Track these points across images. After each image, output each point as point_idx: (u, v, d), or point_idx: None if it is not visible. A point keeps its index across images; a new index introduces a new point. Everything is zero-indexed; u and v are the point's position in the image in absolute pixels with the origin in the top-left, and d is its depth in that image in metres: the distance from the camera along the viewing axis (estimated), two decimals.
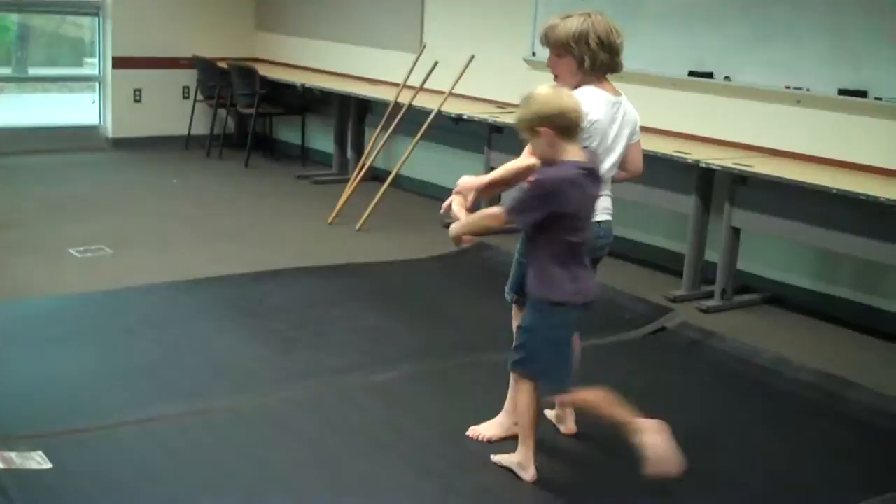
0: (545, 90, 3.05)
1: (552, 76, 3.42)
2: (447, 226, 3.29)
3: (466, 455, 3.45)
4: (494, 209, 3.12)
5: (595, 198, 3.14)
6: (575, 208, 3.02)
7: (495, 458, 3.36)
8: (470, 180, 3.26)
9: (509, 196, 3.20)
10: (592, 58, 3.30)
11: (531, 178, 3.03)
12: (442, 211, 3.28)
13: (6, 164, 8.08)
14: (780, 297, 5.48)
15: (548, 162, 3.04)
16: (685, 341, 4.74)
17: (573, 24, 3.30)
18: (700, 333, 4.79)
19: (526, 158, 3.19)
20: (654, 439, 2.99)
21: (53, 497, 3.00)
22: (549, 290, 3.07)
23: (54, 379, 3.92)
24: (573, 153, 3.02)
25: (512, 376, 3.36)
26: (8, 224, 6.22)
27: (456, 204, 3.23)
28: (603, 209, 3.36)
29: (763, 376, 4.37)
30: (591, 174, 3.05)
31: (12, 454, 3.21)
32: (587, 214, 3.10)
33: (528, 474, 3.24)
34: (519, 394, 3.28)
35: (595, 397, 3.11)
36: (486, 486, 3.24)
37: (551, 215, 2.99)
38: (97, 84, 9.12)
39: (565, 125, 2.99)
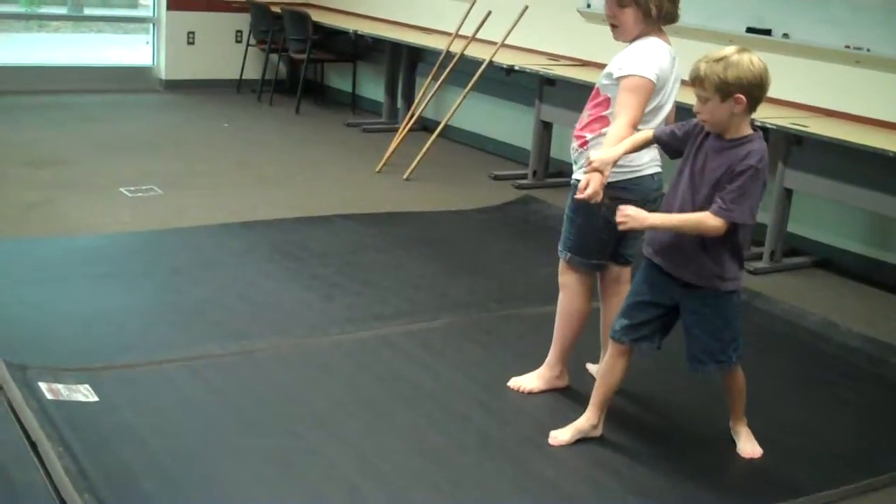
0: (749, 56, 2.87)
1: (610, 27, 3.36)
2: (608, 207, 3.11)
3: (506, 405, 3.46)
4: (704, 215, 2.89)
5: None
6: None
7: (559, 437, 3.21)
8: (605, 156, 3.03)
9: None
10: (658, 6, 3.23)
11: (748, 161, 2.87)
12: (579, 195, 3.01)
13: (61, 103, 8.16)
14: (829, 261, 5.40)
15: (721, 130, 2.93)
16: None
17: None
18: (748, 295, 4.72)
19: (626, 125, 3.10)
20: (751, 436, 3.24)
21: (99, 429, 3.05)
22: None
23: (102, 315, 3.98)
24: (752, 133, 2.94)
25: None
26: (61, 161, 6.30)
27: (597, 185, 2.99)
28: (653, 161, 3.32)
29: (809, 339, 4.32)
30: None
31: (60, 386, 3.27)
32: None
33: (598, 432, 3.24)
34: (620, 363, 3.17)
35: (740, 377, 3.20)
36: (524, 437, 3.25)
37: None
38: (151, 25, 9.15)
39: (757, 98, 2.88)
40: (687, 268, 3.03)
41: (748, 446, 3.26)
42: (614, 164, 3.05)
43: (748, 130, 2.93)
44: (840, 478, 3.13)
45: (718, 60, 2.86)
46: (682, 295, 3.07)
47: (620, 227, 2.98)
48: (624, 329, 3.15)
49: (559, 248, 3.48)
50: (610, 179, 3.10)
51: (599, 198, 2.99)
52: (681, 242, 3.01)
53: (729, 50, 2.89)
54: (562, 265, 3.49)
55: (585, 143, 3.33)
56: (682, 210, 2.98)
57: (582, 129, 3.37)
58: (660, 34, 3.31)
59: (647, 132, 3.12)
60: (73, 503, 2.60)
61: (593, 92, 3.38)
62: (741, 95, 2.84)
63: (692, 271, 3.02)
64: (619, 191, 3.24)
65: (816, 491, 3.04)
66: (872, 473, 3.18)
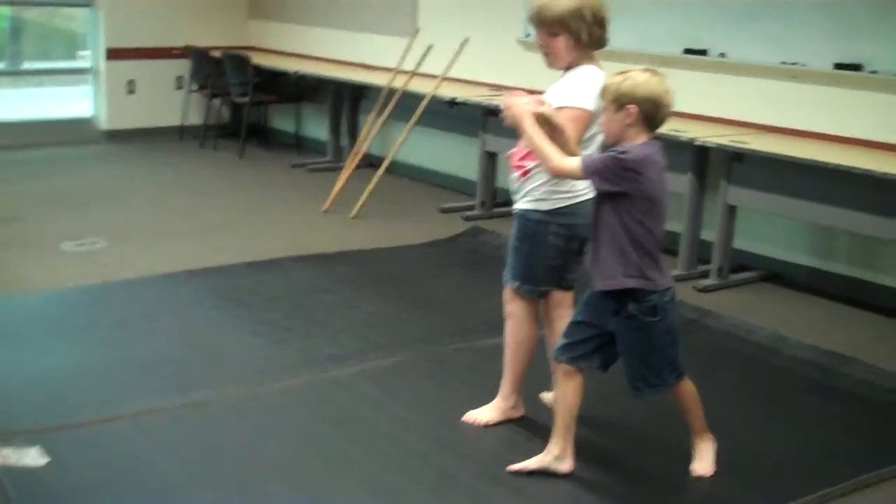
0: (651, 75, 2.95)
1: (543, 56, 3.38)
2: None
3: (463, 439, 3.44)
4: (569, 158, 3.01)
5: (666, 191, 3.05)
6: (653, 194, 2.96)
7: (516, 467, 3.20)
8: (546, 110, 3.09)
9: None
10: (589, 32, 3.27)
11: (617, 150, 2.95)
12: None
13: (1, 160, 8.05)
14: (776, 275, 5.46)
15: (615, 141, 2.98)
16: (682, 321, 4.71)
17: (568, 1, 3.28)
18: (696, 312, 4.77)
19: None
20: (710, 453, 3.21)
21: (51, 492, 3.00)
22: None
23: (50, 374, 3.91)
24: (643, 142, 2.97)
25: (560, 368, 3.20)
26: (3, 219, 6.20)
27: (523, 106, 3.08)
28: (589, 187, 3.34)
29: (760, 353, 4.36)
30: (665, 165, 3.01)
31: (9, 450, 3.20)
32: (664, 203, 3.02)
33: (567, 465, 3.19)
34: (571, 386, 3.16)
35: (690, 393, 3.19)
36: (482, 471, 3.23)
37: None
38: (90, 76, 9.09)
39: (652, 113, 2.93)
40: (596, 270, 3.05)
41: (699, 465, 3.24)
42: (543, 122, 3.07)
43: (636, 142, 2.97)
44: (798, 491, 3.14)
45: (621, 74, 2.96)
46: (613, 322, 3.08)
47: (502, 116, 3.10)
48: (561, 348, 3.17)
49: (505, 277, 3.48)
50: (555, 206, 3.14)
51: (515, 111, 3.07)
52: (597, 249, 3.04)
53: (638, 69, 2.98)
54: (508, 294, 3.49)
55: (527, 172, 3.34)
56: (599, 228, 3.02)
57: (522, 158, 3.38)
58: (592, 60, 3.34)
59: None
60: None
61: None
62: (633, 106, 2.90)
63: (599, 274, 3.04)
64: (566, 216, 3.26)
65: None
66: (830, 484, 3.20)
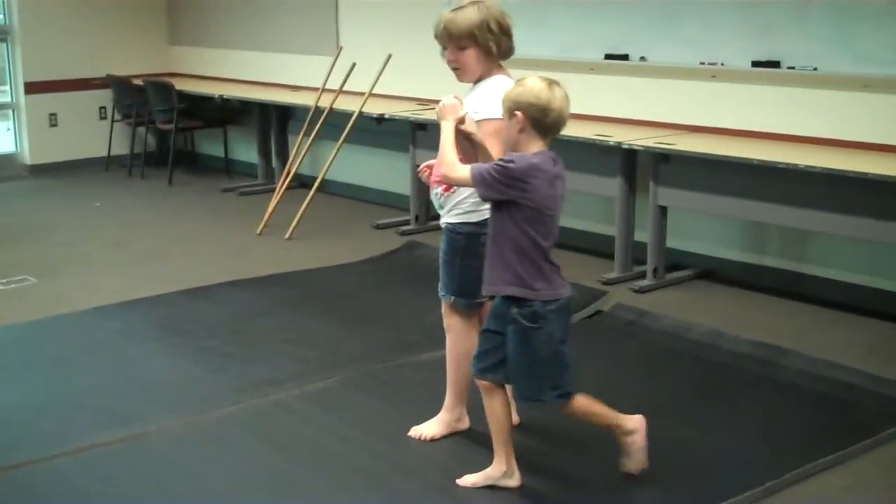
0: (544, 84, 2.97)
1: (453, 70, 3.40)
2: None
3: (410, 455, 3.43)
4: (461, 165, 3.04)
5: (562, 199, 3.06)
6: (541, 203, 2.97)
7: (465, 481, 3.19)
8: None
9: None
10: (497, 43, 3.30)
11: (504, 159, 2.97)
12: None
13: None
14: (711, 272, 5.53)
15: (512, 149, 3.01)
16: (621, 322, 4.77)
17: (472, 14, 3.29)
18: (635, 313, 4.81)
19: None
20: (640, 437, 3.17)
21: None
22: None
23: None
24: (539, 150, 2.99)
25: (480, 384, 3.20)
26: None
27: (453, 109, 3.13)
28: None
29: (699, 350, 4.40)
30: (559, 175, 3.02)
31: None
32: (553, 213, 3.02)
33: (515, 480, 3.16)
34: (493, 402, 3.15)
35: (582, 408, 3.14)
36: (431, 485, 3.22)
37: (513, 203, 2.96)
38: (11, 111, 8.92)
39: (539, 119, 2.94)
40: (484, 276, 3.10)
41: (627, 461, 3.21)
42: (464, 137, 3.13)
43: (530, 150, 2.99)
44: (744, 485, 3.17)
45: (518, 82, 3.01)
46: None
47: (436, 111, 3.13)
48: (474, 359, 3.18)
49: (440, 291, 3.48)
50: (484, 217, 3.16)
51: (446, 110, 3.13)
52: (488, 255, 3.08)
53: (535, 76, 3.02)
54: (445, 308, 3.49)
55: (450, 187, 3.34)
56: (491, 235, 3.06)
57: None
58: (501, 70, 3.38)
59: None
60: None
61: None
62: (520, 113, 2.94)
63: (485, 279, 3.09)
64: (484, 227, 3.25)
65: (721, 500, 3.07)
66: (776, 475, 3.23)
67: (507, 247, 2.99)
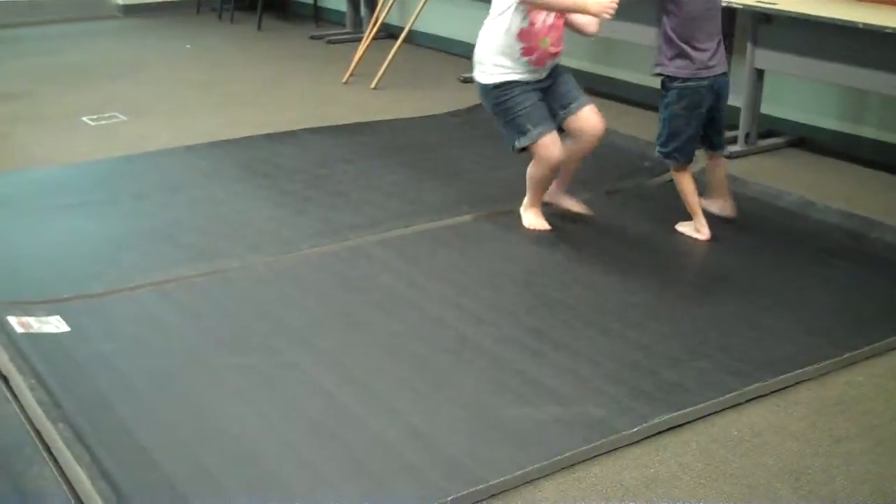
0: None
1: None
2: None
3: (482, 306, 3.43)
4: None
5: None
6: None
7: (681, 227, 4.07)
8: None
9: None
10: None
11: None
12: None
13: (16, 36, 7.97)
14: (805, 140, 5.35)
15: None
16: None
17: None
18: None
19: None
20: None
21: (71, 359, 3.01)
22: None
23: (69, 246, 3.92)
24: None
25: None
26: (20, 94, 6.16)
27: None
28: None
29: (787, 219, 4.29)
30: None
31: (30, 319, 3.22)
32: None
33: (705, 233, 4.00)
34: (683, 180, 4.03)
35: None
36: (502, 336, 3.22)
37: None
38: None
39: None
40: None
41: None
42: None
43: None
44: (823, 353, 3.11)
45: None
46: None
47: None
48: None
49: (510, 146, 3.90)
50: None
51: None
52: None
53: None
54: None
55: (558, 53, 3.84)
56: None
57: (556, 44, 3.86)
58: None
59: None
60: (47, 433, 2.57)
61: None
62: None
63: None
64: None
65: (799, 367, 3.03)
66: (855, 346, 3.17)
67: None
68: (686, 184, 4.03)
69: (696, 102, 3.87)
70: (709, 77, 3.85)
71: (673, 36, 3.81)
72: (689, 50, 3.81)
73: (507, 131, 3.92)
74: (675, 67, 3.85)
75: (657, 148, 4.06)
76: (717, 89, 3.91)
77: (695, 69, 3.83)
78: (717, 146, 4.09)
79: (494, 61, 3.84)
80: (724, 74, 3.93)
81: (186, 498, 2.37)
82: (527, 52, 3.79)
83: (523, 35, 3.76)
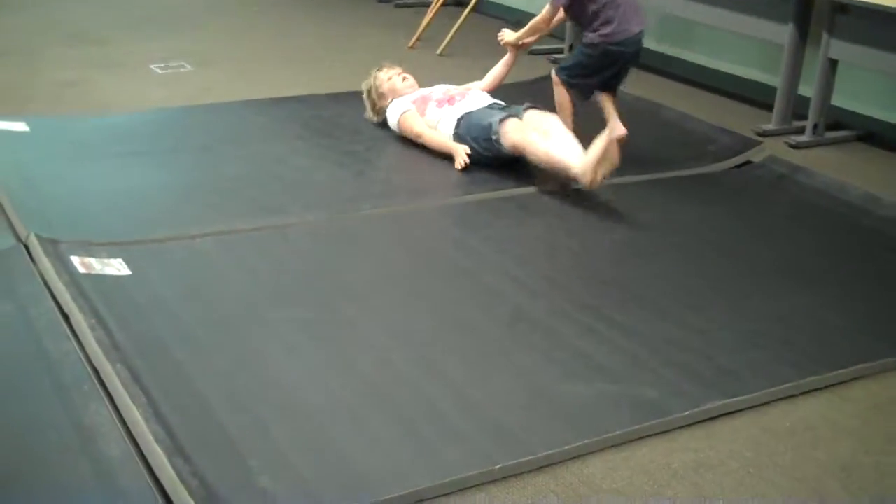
0: None
1: None
2: None
3: (538, 278, 3.42)
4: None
5: None
6: None
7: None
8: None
9: None
10: None
11: None
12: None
13: None
14: (874, 134, 5.26)
15: None
16: (771, 175, 4.59)
17: None
18: (788, 167, 4.63)
19: None
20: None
21: (131, 301, 3.06)
22: None
23: (133, 192, 3.97)
24: None
25: None
26: (94, 40, 6.23)
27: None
28: None
29: (851, 213, 4.22)
30: None
31: (93, 260, 3.27)
32: None
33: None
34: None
35: None
36: (556, 309, 3.21)
37: None
38: None
39: None
40: None
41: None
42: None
43: None
44: (882, 351, 3.06)
45: None
46: None
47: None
48: None
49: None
50: None
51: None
52: None
53: None
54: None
55: None
56: None
57: None
58: None
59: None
60: (105, 373, 2.61)
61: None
62: None
63: None
64: None
65: (857, 364, 2.98)
66: None
67: None
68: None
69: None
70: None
71: None
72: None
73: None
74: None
75: None
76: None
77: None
78: None
79: None
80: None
81: (238, 449, 2.40)
82: None
83: None
